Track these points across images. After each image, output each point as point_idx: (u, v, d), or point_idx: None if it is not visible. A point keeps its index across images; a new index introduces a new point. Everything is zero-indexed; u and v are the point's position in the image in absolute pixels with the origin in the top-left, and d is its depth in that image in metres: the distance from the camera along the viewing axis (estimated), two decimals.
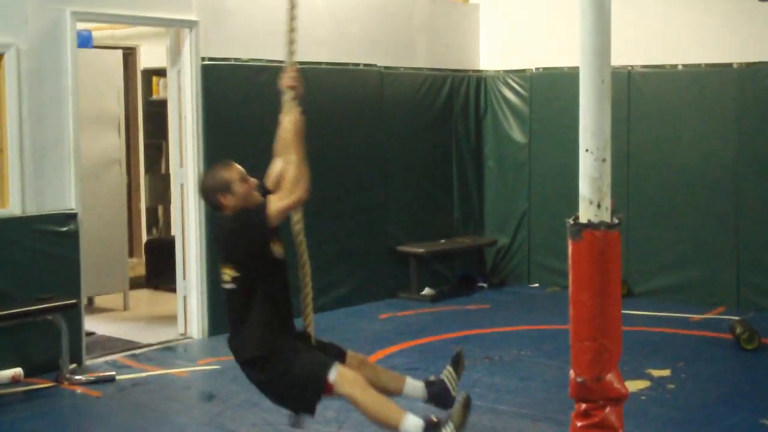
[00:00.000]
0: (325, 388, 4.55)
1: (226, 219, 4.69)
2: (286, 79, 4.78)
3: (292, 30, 4.80)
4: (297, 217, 4.79)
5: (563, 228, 4.19)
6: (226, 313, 4.80)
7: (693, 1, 8.84)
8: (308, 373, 4.58)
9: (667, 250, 8.98)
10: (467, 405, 4.62)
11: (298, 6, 4.81)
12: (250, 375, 4.74)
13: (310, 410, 4.67)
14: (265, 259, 4.66)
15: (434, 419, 4.48)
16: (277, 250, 4.71)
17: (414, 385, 4.89)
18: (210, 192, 4.73)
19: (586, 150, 3.99)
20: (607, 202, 4.03)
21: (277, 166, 4.86)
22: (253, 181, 4.73)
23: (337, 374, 4.53)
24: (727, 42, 8.67)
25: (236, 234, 4.66)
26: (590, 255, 3.98)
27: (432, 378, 4.95)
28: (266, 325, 4.68)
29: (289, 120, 4.77)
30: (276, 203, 4.55)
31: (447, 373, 4.94)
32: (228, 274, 4.67)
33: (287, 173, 4.64)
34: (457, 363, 5.01)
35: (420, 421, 4.46)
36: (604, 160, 3.99)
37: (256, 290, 4.66)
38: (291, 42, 4.80)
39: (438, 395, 4.88)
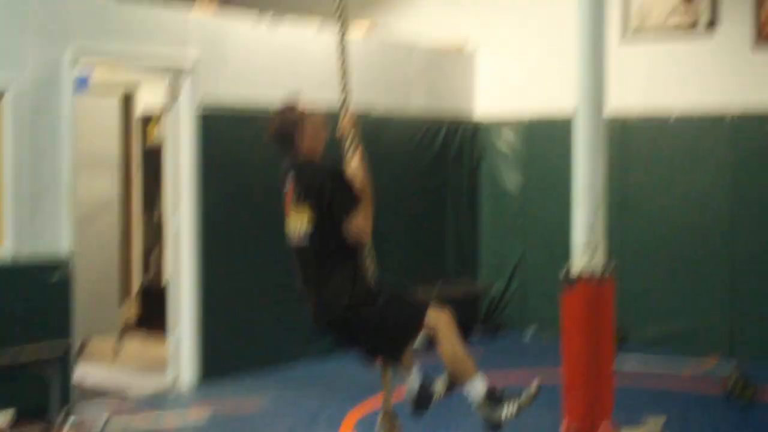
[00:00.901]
0: (421, 320, 4.63)
1: (319, 164, 4.71)
2: (344, 126, 4.90)
3: (345, 76, 4.95)
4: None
5: (558, 275, 4.21)
6: (302, 273, 4.71)
7: (685, 52, 8.93)
8: (412, 302, 4.72)
9: (661, 299, 8.99)
10: (535, 395, 4.58)
11: (349, 53, 4.94)
12: (353, 319, 4.68)
13: (405, 347, 4.73)
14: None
15: (499, 389, 4.51)
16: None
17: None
18: (287, 132, 4.72)
19: (580, 200, 4.03)
20: (601, 252, 4.05)
21: None
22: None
23: (432, 309, 4.64)
24: (719, 93, 8.75)
25: (335, 178, 4.63)
26: (583, 304, 4.00)
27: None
28: (358, 268, 4.73)
29: (355, 165, 4.86)
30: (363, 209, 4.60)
31: (441, 384, 4.91)
32: (303, 220, 4.62)
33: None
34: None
35: (487, 384, 4.51)
36: (597, 210, 4.02)
37: (337, 240, 4.64)
38: (345, 89, 4.93)
39: (420, 395, 4.88)
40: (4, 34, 6.58)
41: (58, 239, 6.84)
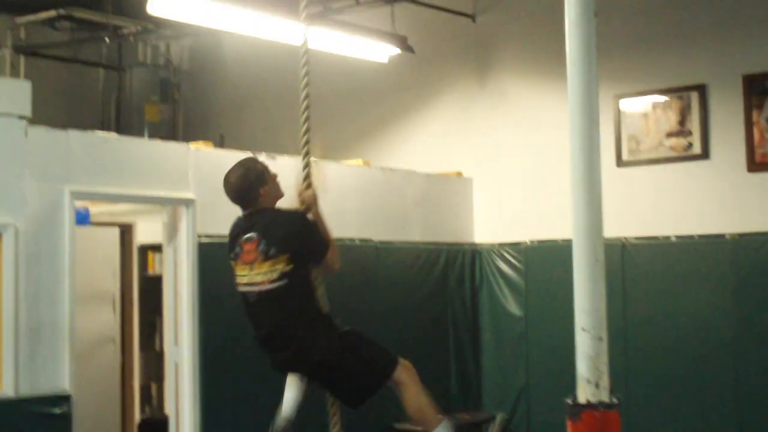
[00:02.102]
0: (394, 369, 4.81)
1: (285, 212, 4.85)
2: (306, 195, 5.04)
3: (306, 135, 5.13)
4: None
5: (562, 402, 4.15)
6: (268, 322, 4.78)
7: (683, 173, 8.99)
8: (382, 351, 4.91)
9: (668, 425, 8.83)
10: (505, 429, 4.76)
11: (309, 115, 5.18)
12: (325, 362, 4.76)
13: (366, 398, 4.87)
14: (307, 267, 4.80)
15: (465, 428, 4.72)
16: None
17: None
18: (252, 184, 4.83)
19: (582, 329, 3.99)
20: (606, 381, 3.99)
21: None
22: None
23: (400, 360, 4.88)
24: (718, 213, 8.77)
25: (306, 227, 4.80)
26: None
27: None
28: (327, 313, 4.85)
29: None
30: (331, 251, 4.81)
31: None
32: (276, 269, 4.66)
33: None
34: None
35: (452, 427, 4.74)
36: (600, 339, 3.97)
37: (307, 286, 4.77)
38: (306, 155, 5.10)
39: None
40: (4, 178, 6.62)
41: (59, 375, 6.76)
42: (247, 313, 4.92)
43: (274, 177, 4.98)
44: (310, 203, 5.03)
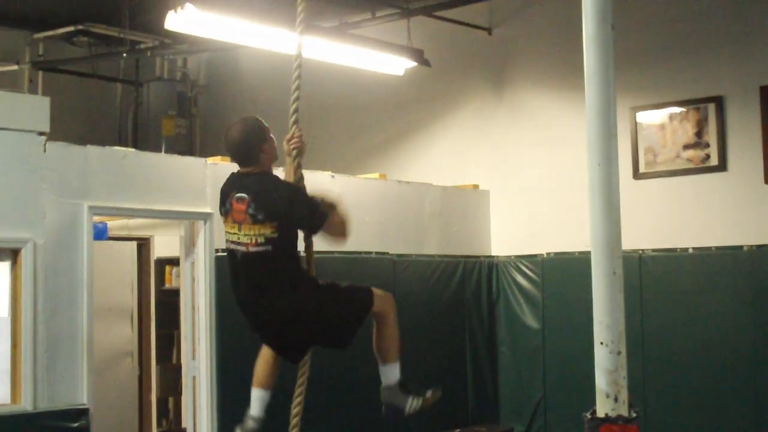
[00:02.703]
0: (371, 303, 4.93)
1: (279, 181, 4.88)
2: (291, 140, 5.06)
3: (296, 91, 5.24)
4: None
5: (581, 416, 4.14)
6: (249, 282, 4.85)
7: (700, 185, 8.96)
8: (357, 289, 5.01)
9: None
10: (436, 400, 5.06)
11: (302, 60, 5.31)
12: (306, 309, 4.83)
13: (353, 333, 4.95)
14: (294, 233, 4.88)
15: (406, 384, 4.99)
16: None
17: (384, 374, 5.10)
18: (254, 139, 4.86)
19: (601, 343, 3.98)
20: (624, 395, 3.98)
21: None
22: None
23: (375, 291, 5.00)
24: (736, 224, 8.73)
25: (297, 198, 4.82)
26: None
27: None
28: (307, 271, 4.96)
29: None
30: (338, 215, 4.89)
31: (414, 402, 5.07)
32: (261, 233, 4.72)
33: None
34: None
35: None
36: (619, 353, 3.97)
37: (291, 252, 4.83)
38: (295, 101, 5.19)
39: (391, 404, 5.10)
40: (23, 193, 6.67)
41: (77, 389, 6.79)
42: (231, 269, 4.98)
43: (272, 138, 5.02)
44: (298, 149, 5.06)
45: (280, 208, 4.76)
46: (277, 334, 5.00)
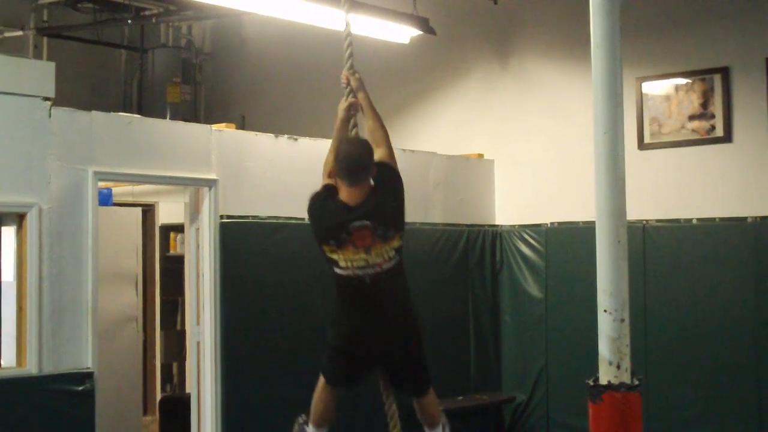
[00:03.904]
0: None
1: (382, 189, 4.90)
2: (343, 77, 5.30)
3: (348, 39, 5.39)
4: None
5: (583, 384, 4.16)
6: (389, 301, 4.90)
7: (705, 156, 8.95)
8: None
9: (688, 408, 8.82)
10: None
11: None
12: (418, 345, 5.02)
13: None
14: None
15: None
16: None
17: None
18: (369, 160, 4.93)
19: (605, 310, 4.00)
20: (627, 363, 4.01)
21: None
22: None
23: None
24: (741, 196, 8.72)
25: (400, 191, 4.96)
26: (611, 417, 3.94)
27: None
28: None
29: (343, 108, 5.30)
30: (389, 153, 5.02)
31: None
32: (391, 248, 4.77)
33: (376, 134, 5.12)
34: None
35: None
36: (622, 321, 3.99)
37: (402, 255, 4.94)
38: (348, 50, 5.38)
39: None
40: (28, 158, 6.67)
41: (81, 353, 6.83)
42: (357, 298, 4.86)
43: None
44: (357, 88, 5.26)
45: (399, 214, 4.86)
46: (386, 361, 4.99)
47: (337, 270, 4.83)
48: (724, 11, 8.89)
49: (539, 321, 9.83)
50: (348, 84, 5.30)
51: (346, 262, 4.78)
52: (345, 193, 4.86)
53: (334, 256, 4.81)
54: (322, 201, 4.91)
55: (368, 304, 4.84)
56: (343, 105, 5.29)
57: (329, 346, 5.01)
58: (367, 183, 4.85)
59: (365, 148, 4.92)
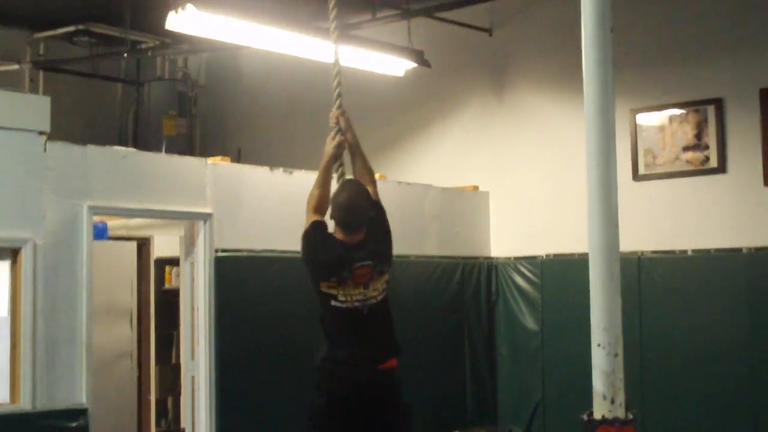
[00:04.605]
0: None
1: (373, 224, 5.07)
2: (332, 116, 5.49)
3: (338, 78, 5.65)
4: None
5: (578, 418, 4.15)
6: (381, 333, 5.01)
7: (700, 187, 8.96)
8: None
9: None
10: None
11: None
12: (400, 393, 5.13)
13: None
14: None
15: None
16: None
17: None
18: (369, 211, 5.09)
19: (598, 345, 3.99)
20: (621, 397, 3.99)
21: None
22: None
23: None
24: (735, 226, 8.73)
25: (388, 228, 5.18)
26: None
27: None
28: None
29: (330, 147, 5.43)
30: (376, 192, 5.24)
31: None
32: (384, 280, 4.99)
33: (365, 175, 5.33)
34: None
35: None
36: (616, 355, 3.97)
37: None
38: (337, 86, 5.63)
39: None
40: (23, 192, 6.66)
41: (76, 389, 6.79)
42: (353, 326, 4.98)
43: None
44: (345, 128, 5.42)
45: (390, 250, 5.09)
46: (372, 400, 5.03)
47: (334, 303, 4.96)
48: (718, 43, 8.94)
49: (535, 353, 9.80)
50: (337, 123, 5.43)
51: (346, 296, 4.93)
52: (342, 236, 5.06)
53: (333, 291, 4.95)
54: (321, 241, 5.02)
55: (363, 329, 4.98)
56: (331, 143, 5.36)
57: (315, 408, 5.04)
58: (362, 228, 5.04)
59: (363, 197, 5.06)
